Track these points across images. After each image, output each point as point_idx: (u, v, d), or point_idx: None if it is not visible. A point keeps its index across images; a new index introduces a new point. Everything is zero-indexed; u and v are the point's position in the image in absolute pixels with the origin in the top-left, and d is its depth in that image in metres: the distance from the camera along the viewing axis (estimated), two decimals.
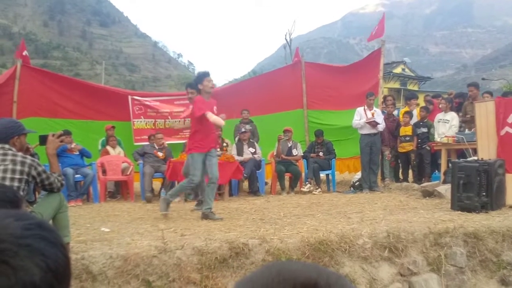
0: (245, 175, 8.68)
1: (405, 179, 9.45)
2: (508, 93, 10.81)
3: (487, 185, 5.75)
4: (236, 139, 9.46)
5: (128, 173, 8.74)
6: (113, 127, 9.28)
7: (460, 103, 9.30)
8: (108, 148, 9.11)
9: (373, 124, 8.49)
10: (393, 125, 9.34)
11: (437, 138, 8.56)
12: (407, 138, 9.08)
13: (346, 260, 4.10)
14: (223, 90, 11.54)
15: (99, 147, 9.36)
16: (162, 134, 9.24)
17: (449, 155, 8.22)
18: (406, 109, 10.01)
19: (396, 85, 43.76)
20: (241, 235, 4.31)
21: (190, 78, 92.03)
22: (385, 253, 4.25)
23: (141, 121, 10.05)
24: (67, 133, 8.05)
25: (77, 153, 8.36)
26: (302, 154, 9.51)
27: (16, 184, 3.42)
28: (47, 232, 0.66)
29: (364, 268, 4.13)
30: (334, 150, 9.47)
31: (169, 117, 10.16)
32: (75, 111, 9.73)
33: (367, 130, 8.57)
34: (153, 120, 10.12)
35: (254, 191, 8.91)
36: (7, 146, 3.55)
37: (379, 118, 8.61)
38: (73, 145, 8.27)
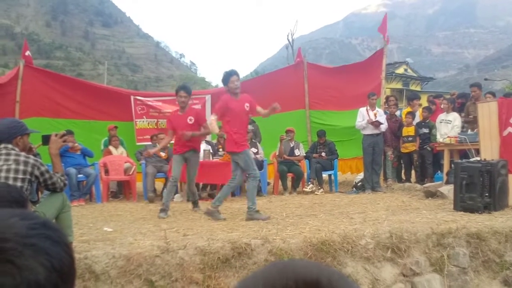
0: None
1: (408, 179, 9.43)
2: (510, 94, 10.78)
3: (490, 185, 5.74)
4: None
5: (130, 173, 8.75)
6: (116, 127, 9.28)
7: (463, 104, 9.28)
8: (111, 148, 9.12)
9: (376, 124, 8.48)
10: (396, 126, 9.33)
11: (439, 138, 8.54)
12: (410, 139, 9.07)
13: (348, 260, 4.09)
14: (225, 90, 11.54)
15: (102, 147, 9.36)
16: (164, 134, 9.23)
17: (451, 156, 8.21)
18: (409, 109, 9.99)
19: (399, 85, 43.71)
20: (244, 235, 4.31)
21: (192, 78, 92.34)
22: (388, 254, 4.24)
23: (143, 121, 10.05)
24: (69, 133, 8.07)
25: (79, 153, 8.37)
26: (305, 154, 9.50)
27: (19, 184, 3.43)
28: (51, 232, 0.66)
29: (367, 268, 4.13)
30: (336, 150, 9.46)
31: None
32: (78, 111, 9.74)
33: (370, 131, 8.56)
34: (156, 120, 10.13)
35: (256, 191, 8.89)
36: (10, 146, 3.56)
37: (382, 118, 8.60)
38: (74, 145, 8.28)
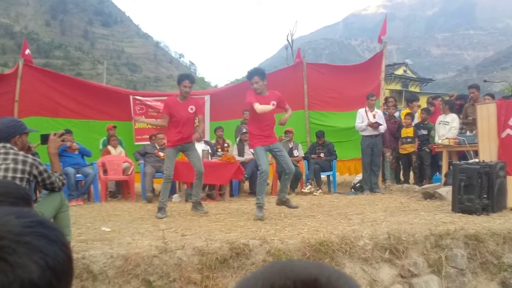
0: (246, 175, 8.68)
1: (406, 180, 9.44)
2: (509, 96, 10.79)
3: (488, 187, 5.75)
4: (237, 139, 9.46)
5: (129, 173, 8.75)
6: (114, 126, 9.28)
7: (462, 105, 9.29)
8: (109, 147, 9.12)
9: (376, 126, 8.48)
10: (394, 127, 9.33)
11: (437, 140, 8.55)
12: (409, 140, 9.07)
13: (346, 261, 4.10)
14: (225, 90, 11.54)
15: (100, 146, 9.36)
16: (163, 134, 9.24)
17: (450, 157, 8.21)
18: (408, 110, 10.00)
19: (398, 86, 43.74)
20: (242, 236, 4.31)
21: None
22: (386, 255, 4.25)
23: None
24: (68, 132, 8.06)
25: (77, 152, 8.36)
26: (303, 155, 9.51)
27: (17, 183, 3.43)
28: (48, 230, 0.65)
29: (365, 269, 4.13)
30: (335, 151, 9.47)
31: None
32: (77, 111, 9.74)
33: (369, 132, 8.56)
34: (154, 120, 10.12)
35: (255, 191, 8.88)
36: (8, 145, 3.55)
37: (380, 119, 8.61)
38: (72, 144, 8.27)
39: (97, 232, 4.81)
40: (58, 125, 8.81)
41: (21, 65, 9.05)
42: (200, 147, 7.98)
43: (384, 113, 9.17)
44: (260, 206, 5.76)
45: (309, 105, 10.72)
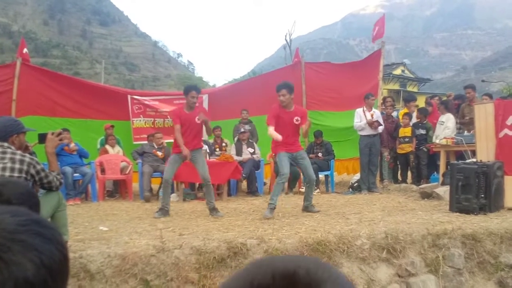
0: (244, 175, 8.69)
1: (404, 180, 9.45)
2: (507, 97, 10.82)
3: (486, 187, 5.76)
4: (235, 139, 9.46)
5: (127, 172, 8.74)
6: (112, 126, 9.28)
7: (460, 105, 9.32)
8: (107, 147, 9.11)
9: (376, 125, 8.48)
10: (392, 127, 9.34)
11: (435, 139, 8.57)
12: (406, 140, 9.09)
13: (344, 260, 4.10)
14: (223, 90, 11.55)
15: (98, 146, 9.34)
16: (161, 134, 9.24)
17: (448, 157, 8.23)
18: (406, 110, 10.02)
19: (396, 86, 43.73)
20: (240, 235, 4.31)
21: (189, 78, 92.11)
22: (383, 254, 4.25)
23: (140, 120, 10.05)
24: (65, 131, 8.05)
25: (75, 153, 8.35)
26: None
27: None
28: (44, 229, 0.65)
29: (362, 269, 4.13)
30: (333, 151, 9.47)
31: (168, 116, 10.18)
32: (74, 110, 9.73)
33: (367, 131, 8.56)
34: (152, 119, 10.13)
35: (252, 191, 8.91)
36: (6, 144, 3.55)
37: (378, 119, 8.61)
38: (71, 145, 8.27)
39: (95, 232, 4.80)
40: (56, 124, 8.78)
41: (19, 64, 9.04)
42: None
43: (382, 113, 9.18)
44: (272, 208, 5.91)
45: (308, 105, 10.70)
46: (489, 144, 6.41)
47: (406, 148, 9.09)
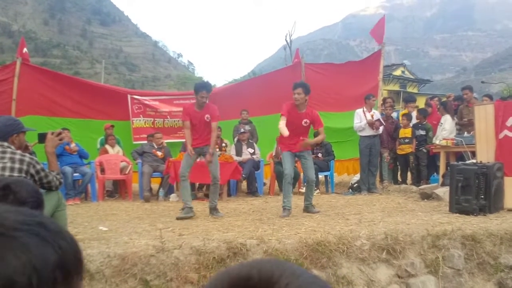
0: (243, 175, 8.69)
1: (404, 181, 9.44)
2: (506, 98, 10.82)
3: (486, 188, 5.75)
4: (235, 139, 9.46)
5: (126, 172, 8.74)
6: (112, 126, 9.28)
7: (459, 106, 9.33)
8: (107, 147, 9.11)
9: (378, 125, 8.48)
10: (392, 127, 9.34)
11: (435, 140, 8.58)
12: (406, 140, 9.09)
13: (343, 261, 4.10)
14: (223, 90, 11.54)
15: (98, 146, 9.35)
16: (161, 134, 9.24)
17: (448, 158, 8.23)
18: (406, 111, 10.02)
19: (396, 87, 43.75)
20: (239, 235, 4.31)
21: (189, 78, 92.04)
22: (383, 255, 4.25)
23: (140, 120, 10.05)
24: (64, 130, 8.05)
25: (76, 153, 8.35)
26: None
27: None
28: (45, 231, 0.62)
29: (362, 269, 4.13)
30: (333, 151, 9.47)
31: (168, 116, 10.19)
32: (74, 110, 9.73)
33: (367, 132, 8.56)
34: (152, 119, 10.13)
35: (252, 191, 8.91)
36: (6, 144, 3.55)
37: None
38: (72, 145, 8.28)
39: (94, 231, 4.80)
40: (56, 124, 8.79)
41: (19, 64, 9.04)
42: None
43: (381, 114, 9.18)
44: (285, 208, 6.05)
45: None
46: (489, 145, 6.41)
47: (406, 149, 9.09)
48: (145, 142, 9.35)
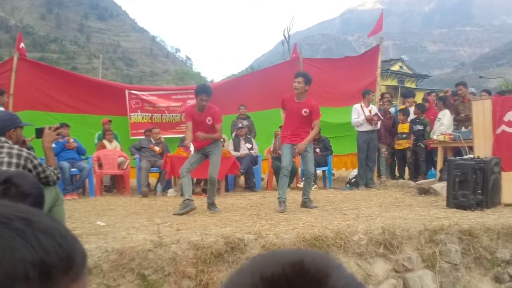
0: (241, 170, 8.69)
1: (401, 176, 9.47)
2: (504, 92, 10.84)
3: (483, 183, 5.77)
4: (233, 134, 9.46)
5: (124, 167, 8.73)
6: (110, 121, 9.26)
7: (455, 102, 9.36)
8: (105, 142, 9.10)
9: (377, 119, 8.48)
10: (390, 122, 9.35)
11: (432, 135, 8.59)
12: (404, 135, 9.10)
13: (341, 256, 4.11)
14: (221, 85, 11.53)
15: (96, 141, 9.34)
16: (159, 129, 9.23)
17: (445, 153, 8.25)
18: (403, 106, 10.03)
19: (394, 82, 43.77)
20: (237, 230, 4.31)
21: (187, 73, 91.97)
22: (380, 250, 4.26)
23: (138, 115, 10.03)
24: (65, 125, 8.05)
25: (75, 149, 8.34)
26: None
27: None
28: (27, 227, 0.56)
29: (359, 264, 4.15)
30: (331, 146, 9.47)
31: (166, 111, 10.17)
32: (72, 105, 9.71)
33: (365, 127, 8.57)
34: (150, 114, 10.11)
35: (250, 186, 8.92)
36: (3, 138, 3.54)
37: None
38: (70, 141, 8.27)
39: (92, 226, 4.80)
40: (53, 119, 8.77)
41: (16, 59, 9.01)
42: None
43: (379, 109, 9.18)
44: (281, 201, 5.98)
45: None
46: (487, 140, 6.42)
47: (403, 144, 9.10)
48: (143, 137, 9.34)
